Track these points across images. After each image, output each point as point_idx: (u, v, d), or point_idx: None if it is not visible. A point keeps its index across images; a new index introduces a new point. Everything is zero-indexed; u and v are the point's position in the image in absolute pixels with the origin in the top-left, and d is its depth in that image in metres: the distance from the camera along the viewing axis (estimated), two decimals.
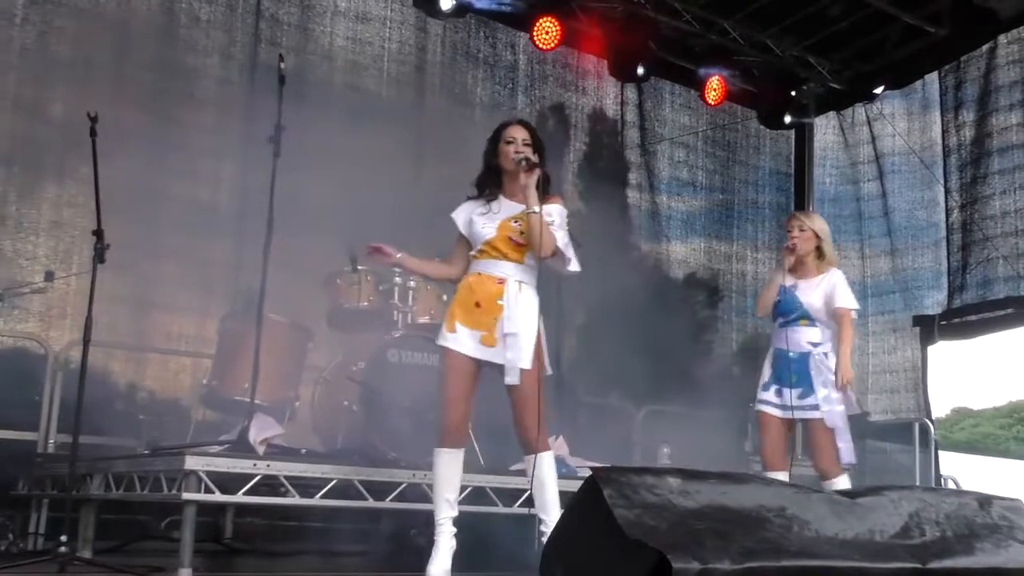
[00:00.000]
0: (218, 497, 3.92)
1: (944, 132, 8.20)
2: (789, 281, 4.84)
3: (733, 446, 7.29)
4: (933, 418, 8.38)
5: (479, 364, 3.86)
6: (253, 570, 5.20)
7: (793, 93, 8.69)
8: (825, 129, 9.10)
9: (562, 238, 3.87)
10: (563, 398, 5.88)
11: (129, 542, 5.15)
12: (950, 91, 8.15)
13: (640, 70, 7.74)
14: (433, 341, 5.25)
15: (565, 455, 5.28)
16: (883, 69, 8.24)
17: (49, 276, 5.73)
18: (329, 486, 4.13)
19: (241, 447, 4.07)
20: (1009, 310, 7.72)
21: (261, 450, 4.08)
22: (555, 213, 3.87)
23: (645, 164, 8.47)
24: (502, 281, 3.85)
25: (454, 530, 3.86)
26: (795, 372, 4.69)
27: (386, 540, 5.42)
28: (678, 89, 8.68)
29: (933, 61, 8.08)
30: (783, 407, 4.75)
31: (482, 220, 3.92)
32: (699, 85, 8.16)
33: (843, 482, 4.60)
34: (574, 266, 3.93)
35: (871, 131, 8.75)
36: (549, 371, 3.95)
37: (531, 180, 3.81)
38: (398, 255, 4.07)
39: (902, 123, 8.52)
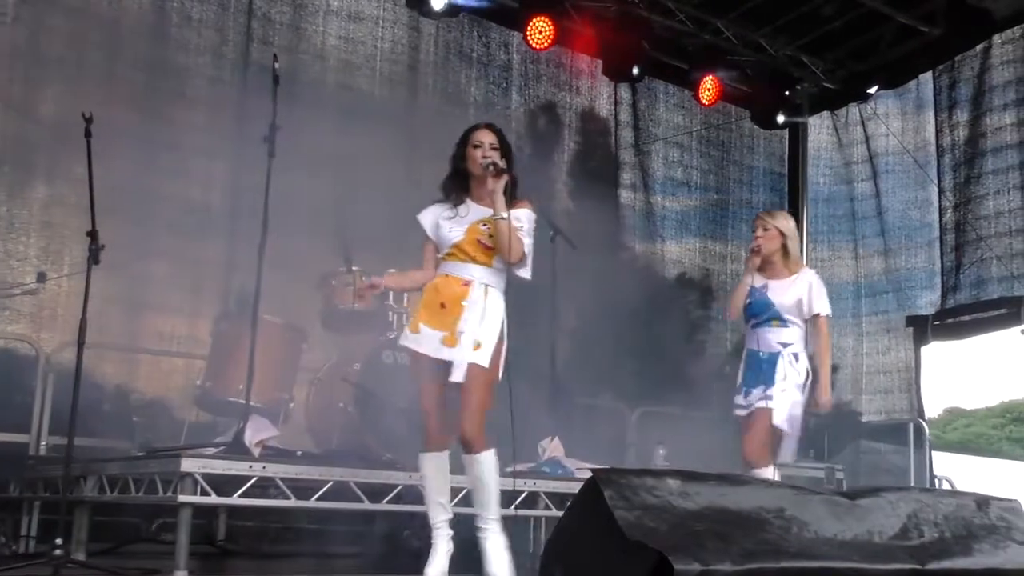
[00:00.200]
0: (214, 499, 3.90)
1: (938, 132, 8.21)
2: (759, 282, 4.80)
3: (728, 447, 7.28)
4: (926, 418, 8.40)
5: (441, 367, 3.82)
6: (247, 572, 5.19)
7: (787, 93, 8.70)
8: (819, 129, 9.10)
9: (528, 245, 3.86)
10: (557, 399, 5.85)
11: (121, 544, 5.13)
12: (944, 91, 8.16)
13: (634, 70, 7.73)
14: None
15: (561, 456, 5.27)
16: (877, 69, 8.24)
17: (41, 277, 5.69)
18: (325, 488, 4.10)
19: (236, 449, 4.05)
20: (1002, 310, 7.73)
21: (257, 452, 4.07)
22: (523, 218, 3.86)
23: (639, 164, 8.46)
24: (467, 283, 3.85)
25: (451, 532, 3.84)
26: (764, 373, 4.67)
27: (380, 542, 5.39)
28: (672, 89, 8.67)
29: (927, 61, 8.08)
30: (748, 406, 4.73)
31: (449, 224, 3.91)
32: (693, 85, 8.15)
33: (768, 473, 4.55)
34: (525, 272, 3.92)
35: (865, 131, 8.76)
36: (498, 378, 3.89)
37: (499, 186, 3.79)
38: (383, 281, 4.11)
39: (896, 123, 8.53)
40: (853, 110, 8.85)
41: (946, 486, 7.91)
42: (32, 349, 5.77)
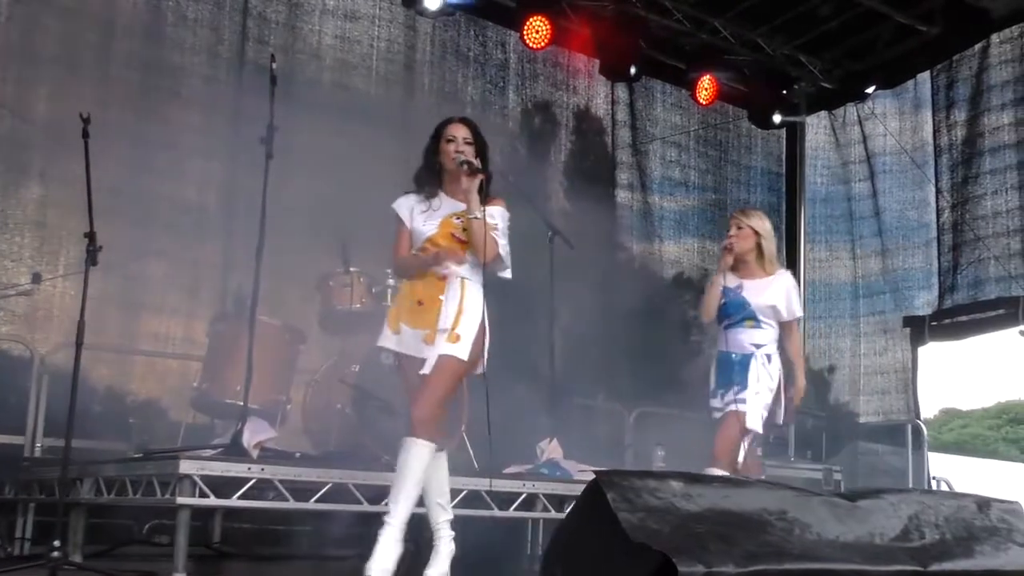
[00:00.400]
0: (212, 501, 3.88)
1: (936, 132, 8.20)
2: (732, 282, 4.72)
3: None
4: (922, 419, 8.39)
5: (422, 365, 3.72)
6: (243, 574, 5.16)
7: (784, 92, 8.69)
8: (816, 129, 9.08)
9: (503, 245, 3.80)
10: (555, 400, 5.83)
11: (117, 546, 5.10)
12: (942, 90, 8.15)
13: (631, 70, 7.72)
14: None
15: (559, 458, 5.25)
16: (875, 68, 8.23)
17: (36, 278, 5.65)
18: (324, 490, 4.07)
19: (234, 451, 4.03)
20: (1000, 311, 7.72)
21: (255, 454, 4.04)
22: (497, 217, 3.79)
23: (637, 164, 8.44)
24: (443, 278, 3.77)
25: (452, 534, 3.80)
26: (737, 374, 4.61)
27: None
28: (669, 88, 8.65)
29: (925, 60, 8.08)
30: (722, 408, 4.65)
31: (422, 218, 3.84)
32: (690, 84, 8.14)
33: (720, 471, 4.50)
34: (507, 273, 3.87)
35: (862, 131, 8.75)
36: (481, 370, 3.82)
37: (473, 184, 3.74)
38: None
39: (893, 123, 8.51)
40: (851, 110, 8.84)
41: (944, 487, 7.90)
42: (26, 350, 5.74)
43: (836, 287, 8.91)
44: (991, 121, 7.78)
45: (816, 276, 9.03)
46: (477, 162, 3.78)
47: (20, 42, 6.09)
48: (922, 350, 8.44)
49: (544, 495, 4.73)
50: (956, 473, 8.72)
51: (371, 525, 5.39)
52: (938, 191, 8.19)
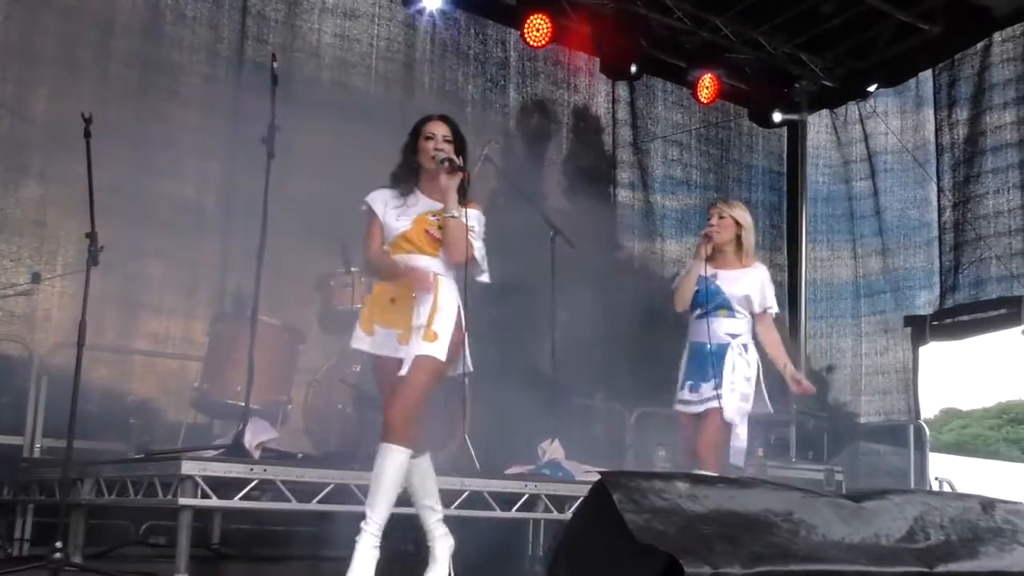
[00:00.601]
0: (214, 502, 3.85)
1: (937, 130, 8.17)
2: (707, 271, 4.64)
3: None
4: (922, 419, 8.37)
5: (398, 366, 3.64)
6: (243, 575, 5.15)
7: (786, 91, 8.66)
8: (818, 127, 9.05)
9: (479, 248, 3.74)
10: (556, 401, 5.81)
11: (115, 548, 5.08)
12: (944, 89, 8.11)
13: (632, 68, 7.70)
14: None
15: (561, 459, 5.23)
16: (876, 67, 8.21)
17: (36, 278, 5.63)
18: (326, 491, 4.05)
19: (235, 451, 4.01)
20: (1002, 310, 7.68)
21: (256, 454, 4.02)
22: (474, 220, 3.71)
23: (638, 163, 8.42)
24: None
25: (445, 530, 3.75)
26: (713, 365, 4.53)
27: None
28: (670, 87, 8.62)
29: (927, 59, 8.05)
30: (697, 402, 4.58)
31: (396, 213, 3.76)
32: (691, 83, 8.11)
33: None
34: (486, 277, 3.80)
35: (864, 129, 8.73)
36: (470, 368, 3.77)
37: (453, 183, 3.67)
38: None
39: (895, 121, 8.48)
40: (852, 108, 8.81)
41: (947, 488, 7.88)
42: (25, 350, 5.71)
43: (837, 286, 8.89)
44: (993, 120, 7.74)
45: (817, 275, 9.01)
46: (459, 160, 3.72)
47: (19, 41, 6.06)
48: (922, 350, 8.41)
49: (546, 496, 4.70)
50: (957, 474, 8.69)
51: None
52: (940, 190, 8.16)
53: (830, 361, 8.89)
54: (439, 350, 3.59)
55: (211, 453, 4.02)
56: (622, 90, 8.39)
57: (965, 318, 8.04)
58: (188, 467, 3.77)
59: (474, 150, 7.14)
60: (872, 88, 8.33)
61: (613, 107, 8.36)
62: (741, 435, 4.52)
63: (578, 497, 4.69)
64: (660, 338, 7.66)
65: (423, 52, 7.55)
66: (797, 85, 8.69)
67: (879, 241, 8.66)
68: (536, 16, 7.40)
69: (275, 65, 4.41)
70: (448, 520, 4.33)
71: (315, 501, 4.06)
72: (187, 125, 6.27)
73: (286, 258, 5.17)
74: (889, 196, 8.59)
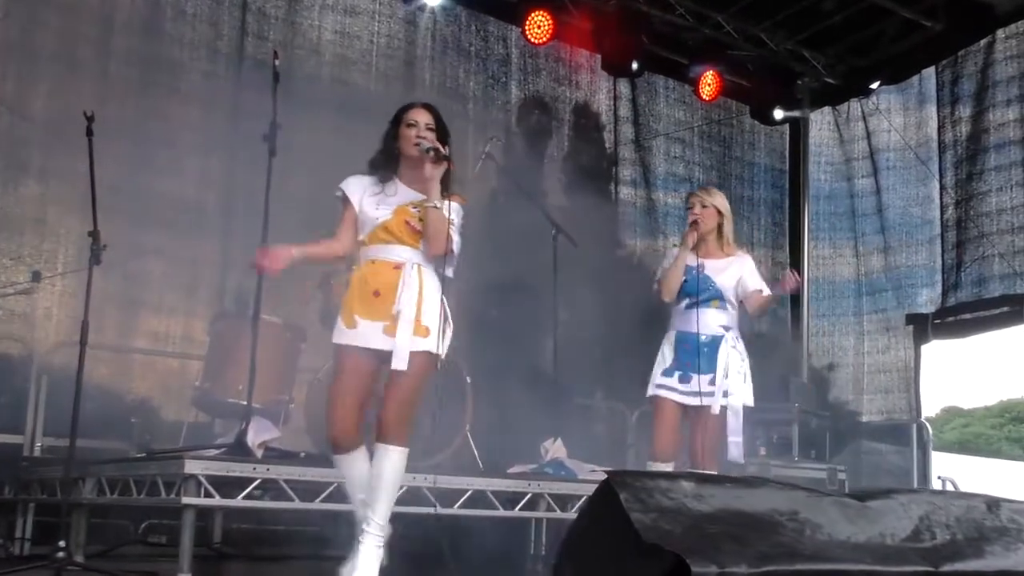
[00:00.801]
0: (217, 501, 3.84)
1: (940, 128, 8.12)
2: (692, 260, 4.57)
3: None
4: (923, 418, 8.34)
5: (381, 360, 3.60)
6: (244, 575, 5.13)
7: (788, 88, 8.63)
8: (820, 124, 9.02)
9: (457, 242, 3.68)
10: (558, 400, 5.80)
11: (116, 547, 5.07)
12: (947, 86, 8.06)
13: (633, 65, 7.68)
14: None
15: (563, 458, 5.22)
16: (879, 64, 8.18)
17: (36, 277, 5.60)
18: (329, 490, 4.03)
19: (238, 450, 3.99)
20: (1004, 308, 7.66)
21: (259, 453, 4.00)
22: (455, 213, 3.64)
23: (640, 160, 8.39)
24: (399, 266, 3.61)
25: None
26: (705, 357, 4.46)
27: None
28: (672, 84, 8.59)
29: (930, 56, 8.01)
30: (689, 393, 4.47)
31: (375, 201, 3.67)
32: (693, 80, 8.09)
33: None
34: (450, 272, 3.73)
35: (866, 127, 8.69)
36: (441, 355, 3.66)
37: (437, 173, 3.59)
38: (292, 253, 3.70)
39: (898, 118, 8.44)
40: (854, 105, 8.76)
41: (950, 487, 7.87)
42: (25, 349, 5.69)
43: (840, 285, 8.86)
44: (996, 117, 7.70)
45: (820, 274, 8.98)
46: (445, 149, 3.63)
47: (19, 38, 6.04)
48: (924, 348, 8.39)
49: (549, 495, 4.69)
50: (959, 473, 8.67)
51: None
52: (942, 187, 8.12)
53: (832, 359, 8.86)
54: (432, 344, 3.56)
55: (213, 452, 4.00)
56: (623, 87, 8.36)
57: (967, 316, 8.01)
58: (191, 466, 3.76)
59: (475, 147, 7.19)
60: (875, 85, 8.31)
61: (615, 104, 8.33)
62: (737, 428, 4.46)
63: (581, 496, 4.69)
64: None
65: (424, 49, 7.53)
66: (799, 82, 8.67)
67: (881, 239, 8.63)
68: (537, 13, 7.38)
69: (277, 63, 4.39)
70: (450, 519, 4.34)
71: (318, 500, 4.06)
72: (187, 122, 6.25)
73: None
74: (891, 194, 8.55)
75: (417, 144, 3.65)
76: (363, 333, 3.57)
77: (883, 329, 8.59)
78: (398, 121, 3.75)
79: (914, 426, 8.02)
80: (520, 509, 4.61)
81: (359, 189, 3.71)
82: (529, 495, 4.63)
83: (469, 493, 4.40)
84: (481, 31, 7.81)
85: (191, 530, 3.76)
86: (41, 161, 5.93)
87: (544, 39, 7.45)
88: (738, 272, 4.62)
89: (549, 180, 7.72)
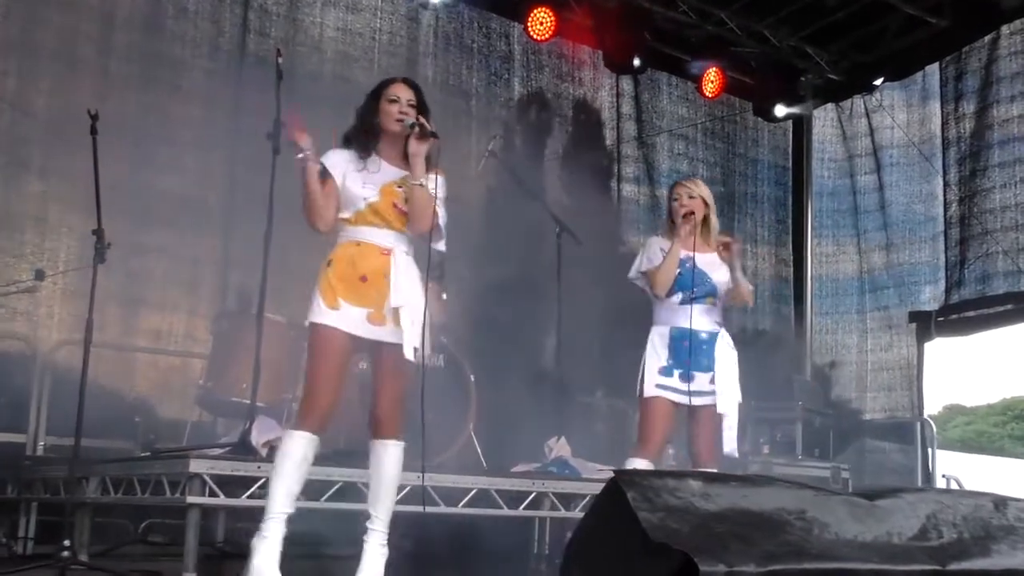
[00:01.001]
0: (222, 500, 3.82)
1: (944, 124, 8.09)
2: (683, 253, 4.37)
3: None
4: (926, 416, 8.32)
5: (357, 345, 3.50)
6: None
7: (791, 84, 8.61)
8: (823, 121, 9.00)
9: (443, 215, 3.58)
10: (561, 399, 5.79)
11: (119, 546, 5.05)
12: (951, 82, 8.03)
13: (636, 62, 7.66)
14: (437, 341, 5.20)
15: (568, 456, 5.20)
16: (882, 60, 8.17)
17: (39, 275, 5.58)
18: (335, 488, 4.02)
19: (242, 449, 3.98)
20: (1008, 306, 7.64)
21: (264, 452, 3.99)
22: (439, 186, 3.53)
23: (644, 157, 8.36)
24: (387, 252, 3.50)
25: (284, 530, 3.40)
26: (705, 354, 4.31)
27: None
28: (675, 80, 8.57)
29: (933, 52, 7.99)
30: (693, 393, 4.27)
31: (360, 178, 3.51)
32: (696, 77, 8.07)
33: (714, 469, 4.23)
34: (442, 244, 3.62)
35: (869, 123, 8.66)
36: (428, 352, 3.62)
37: (422, 149, 3.46)
38: (310, 151, 3.47)
39: (901, 115, 8.42)
40: (858, 102, 8.74)
41: (954, 486, 7.85)
42: (28, 348, 5.68)
43: (843, 282, 8.85)
44: (1000, 113, 7.67)
45: (823, 271, 8.96)
46: (431, 125, 3.50)
47: (20, 36, 6.02)
48: (927, 345, 8.37)
49: (553, 494, 4.67)
50: (962, 471, 8.66)
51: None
52: (946, 184, 8.10)
53: (835, 357, 8.84)
54: (418, 339, 3.50)
55: (218, 451, 3.99)
56: (626, 84, 8.34)
57: (971, 314, 7.98)
58: (196, 465, 3.74)
59: (478, 144, 7.18)
60: (878, 82, 8.28)
61: (617, 101, 8.31)
62: (734, 423, 4.34)
63: (585, 495, 4.67)
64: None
65: (426, 46, 7.51)
66: (802, 79, 8.64)
67: (884, 236, 8.60)
68: (540, 9, 7.37)
69: (280, 60, 4.37)
70: (454, 518, 4.32)
71: (323, 499, 4.04)
72: (189, 120, 6.23)
73: (290, 254, 5.12)
74: (895, 190, 8.53)
75: (400, 120, 3.53)
76: (347, 317, 3.44)
77: (886, 326, 8.57)
78: (378, 96, 3.61)
79: (918, 424, 8.00)
80: (524, 508, 4.58)
81: (341, 163, 3.55)
82: (533, 494, 4.61)
83: (473, 492, 4.38)
84: (483, 28, 7.80)
85: (196, 529, 3.75)
86: (42, 159, 5.92)
87: (547, 36, 7.44)
88: (726, 268, 4.50)
89: (551, 177, 7.70)
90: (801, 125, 8.99)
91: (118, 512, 5.19)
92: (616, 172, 8.21)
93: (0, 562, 4.67)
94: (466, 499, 4.37)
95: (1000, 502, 3.29)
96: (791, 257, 9.06)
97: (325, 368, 3.44)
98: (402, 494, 4.19)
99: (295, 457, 3.37)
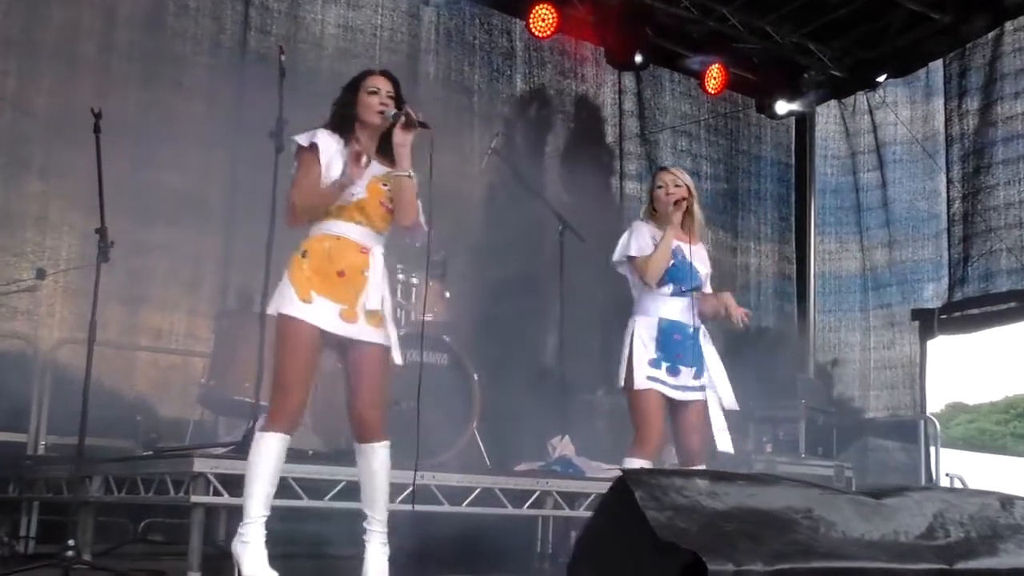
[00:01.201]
0: (226, 499, 3.81)
1: (947, 121, 8.06)
2: (675, 243, 4.20)
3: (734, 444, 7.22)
4: (928, 414, 8.30)
5: (326, 341, 3.42)
6: None
7: (794, 81, 8.57)
8: (826, 118, 8.97)
9: (419, 206, 3.52)
10: (565, 397, 5.77)
11: (119, 545, 5.04)
12: (954, 79, 8.00)
13: (638, 58, 7.63)
14: (440, 339, 5.20)
15: (571, 455, 5.19)
16: (886, 57, 8.11)
17: (41, 274, 5.56)
18: (338, 488, 4.01)
19: (247, 448, 3.95)
20: (1012, 303, 7.61)
21: None
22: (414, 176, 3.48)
23: (646, 154, 8.33)
24: (366, 251, 3.43)
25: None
26: (694, 349, 4.17)
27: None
28: (678, 77, 8.55)
29: (937, 49, 7.95)
30: (679, 388, 4.14)
31: (344, 169, 3.42)
32: (699, 73, 8.05)
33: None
34: (422, 238, 3.58)
35: (873, 120, 8.63)
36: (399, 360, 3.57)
37: (408, 139, 3.41)
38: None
39: (904, 111, 8.39)
40: (861, 99, 8.71)
41: (958, 485, 7.83)
42: (28, 347, 5.66)
43: (846, 280, 8.82)
44: (1004, 110, 7.63)
45: (826, 269, 8.93)
46: (418, 114, 3.44)
47: (20, 34, 6.01)
48: (930, 343, 8.34)
49: (557, 492, 4.66)
50: (965, 470, 8.64)
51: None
52: (949, 181, 8.07)
53: (838, 355, 8.82)
54: (390, 338, 3.48)
55: (221, 450, 3.97)
56: (629, 80, 8.31)
57: (974, 311, 7.96)
58: (200, 464, 3.72)
59: (480, 141, 7.16)
60: (881, 78, 8.23)
61: (620, 98, 8.28)
62: (723, 419, 4.22)
63: (589, 494, 4.66)
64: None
65: (427, 42, 7.49)
66: (805, 75, 8.58)
67: (887, 233, 8.58)
68: (541, 6, 7.35)
69: (283, 58, 4.35)
70: (457, 516, 4.31)
71: (327, 498, 4.02)
72: (190, 117, 6.20)
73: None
74: (898, 187, 8.50)
75: (381, 112, 3.48)
76: (319, 311, 3.36)
77: (889, 324, 8.54)
78: (356, 87, 3.55)
79: (921, 422, 7.97)
80: (528, 507, 4.57)
81: (329, 148, 3.44)
82: (537, 493, 4.59)
83: (477, 491, 4.36)
84: (485, 24, 7.77)
85: (200, 529, 3.75)
86: (43, 157, 5.90)
87: (548, 32, 7.42)
88: (707, 260, 4.41)
89: (553, 174, 7.68)
90: (804, 122, 8.97)
91: (117, 511, 5.17)
92: (619, 169, 8.18)
93: (2, 561, 4.65)
94: (470, 498, 4.36)
95: (1007, 501, 3.28)
96: (794, 254, 9.03)
97: (296, 365, 3.38)
98: (404, 494, 4.19)
99: (272, 459, 3.33)
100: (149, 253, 5.94)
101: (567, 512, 4.70)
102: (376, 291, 3.42)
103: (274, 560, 3.40)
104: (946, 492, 3.57)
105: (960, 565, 2.86)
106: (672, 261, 4.17)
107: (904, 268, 8.45)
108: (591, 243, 6.10)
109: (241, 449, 3.96)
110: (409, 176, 3.43)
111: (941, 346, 8.48)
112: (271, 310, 3.47)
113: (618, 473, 2.78)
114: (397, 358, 3.48)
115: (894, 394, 8.44)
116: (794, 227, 9.11)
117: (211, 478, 3.76)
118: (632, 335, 4.21)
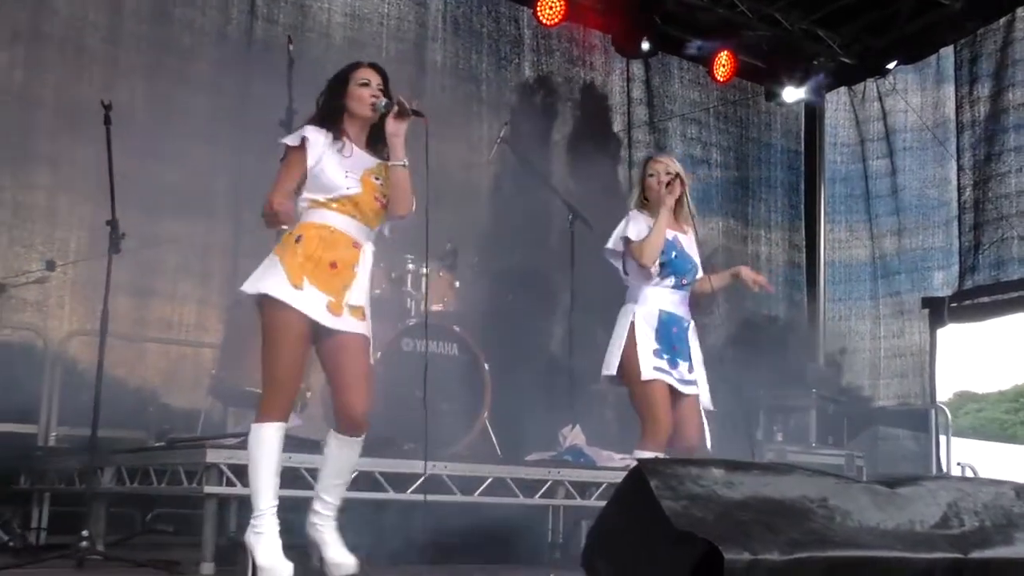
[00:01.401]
0: (239, 490, 3.80)
1: (958, 108, 8.01)
2: (670, 233, 4.09)
3: (740, 434, 7.19)
4: (937, 403, 8.27)
5: (312, 332, 3.36)
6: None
7: (803, 68, 8.52)
8: (836, 105, 8.92)
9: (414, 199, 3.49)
10: (575, 387, 5.76)
11: (128, 536, 5.05)
12: (965, 65, 7.93)
13: (646, 46, 7.59)
14: (450, 329, 5.20)
15: (582, 444, 5.18)
16: (896, 43, 8.06)
17: (50, 266, 5.56)
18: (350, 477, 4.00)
19: None
20: (1023, 292, 7.58)
21: None
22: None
23: (655, 142, 8.28)
24: (358, 246, 3.40)
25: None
26: (686, 343, 4.12)
27: (390, 533, 5.32)
28: (686, 65, 8.50)
29: (947, 35, 7.89)
30: (681, 380, 4.08)
31: (338, 163, 3.38)
32: (707, 61, 8.00)
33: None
34: (387, 230, 3.56)
35: (883, 107, 8.58)
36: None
37: (401, 128, 3.37)
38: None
39: (915, 98, 8.34)
40: (871, 85, 8.65)
41: (969, 473, 7.81)
42: (38, 338, 5.66)
43: (855, 268, 8.79)
44: (1016, 97, 7.58)
45: (836, 257, 8.91)
46: (411, 103, 3.39)
47: (27, 27, 5.99)
48: (939, 332, 8.31)
49: (568, 482, 4.65)
50: (973, 458, 8.61)
51: (384, 512, 5.37)
52: (960, 168, 8.01)
53: (847, 344, 8.78)
54: (370, 330, 3.47)
55: (233, 441, 3.97)
56: (637, 68, 8.27)
57: (985, 300, 7.91)
58: (213, 455, 3.73)
59: (489, 129, 7.13)
60: (891, 65, 8.18)
61: (628, 86, 8.24)
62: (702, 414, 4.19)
63: (600, 483, 4.65)
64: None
65: (434, 30, 7.46)
66: (814, 62, 8.53)
67: (896, 221, 8.54)
68: None
69: (291, 48, 4.34)
70: (468, 506, 4.31)
71: None
72: (197, 108, 6.20)
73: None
74: (908, 175, 8.46)
75: (373, 103, 3.44)
76: (309, 300, 3.29)
77: (898, 313, 8.51)
78: (345, 80, 3.50)
79: (932, 411, 7.95)
80: (539, 497, 4.57)
81: (319, 143, 3.39)
82: (549, 482, 4.59)
83: (489, 481, 4.36)
84: (492, 12, 7.73)
85: (213, 519, 3.76)
86: (51, 149, 5.90)
87: (556, 20, 7.38)
88: (697, 249, 4.29)
89: (561, 163, 7.65)
90: (813, 109, 8.92)
91: (126, 502, 5.18)
92: (627, 157, 8.14)
93: (15, 553, 4.66)
94: (482, 488, 4.36)
95: (1021, 490, 3.27)
96: (804, 243, 9.00)
97: (290, 359, 3.34)
98: (416, 484, 4.19)
99: (275, 449, 3.33)
100: (158, 244, 5.93)
101: (578, 501, 4.69)
102: (361, 288, 3.41)
103: (288, 550, 3.38)
104: (960, 481, 3.55)
105: (975, 554, 2.85)
106: (673, 253, 4.10)
107: (914, 256, 8.41)
108: (599, 232, 6.07)
109: None
110: (404, 166, 3.40)
111: (949, 334, 8.45)
112: (251, 288, 3.37)
113: (631, 464, 2.77)
114: (372, 358, 3.50)
115: (904, 383, 8.41)
116: (804, 215, 9.07)
117: (224, 468, 3.76)
118: (632, 325, 4.12)
